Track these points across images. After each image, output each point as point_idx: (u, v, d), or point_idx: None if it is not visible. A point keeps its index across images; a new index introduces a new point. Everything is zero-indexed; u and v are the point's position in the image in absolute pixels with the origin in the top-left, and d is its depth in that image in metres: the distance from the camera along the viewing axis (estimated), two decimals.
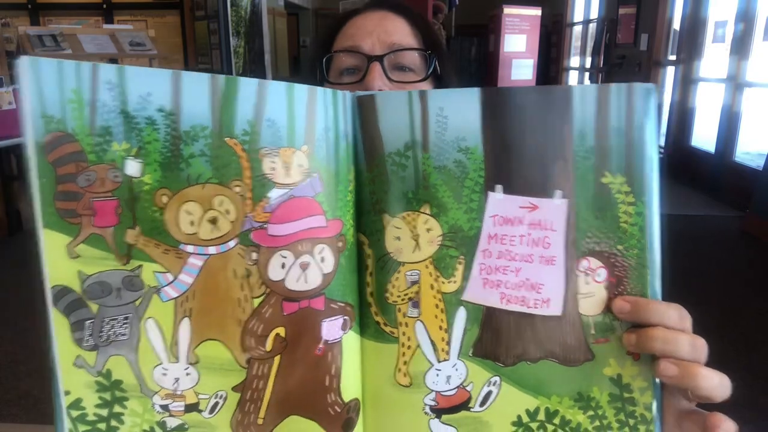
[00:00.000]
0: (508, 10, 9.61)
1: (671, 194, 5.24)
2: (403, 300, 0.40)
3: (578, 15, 9.95)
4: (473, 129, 0.39)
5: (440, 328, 0.40)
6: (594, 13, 8.97)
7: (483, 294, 0.39)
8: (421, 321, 0.40)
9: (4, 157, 3.91)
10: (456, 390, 0.40)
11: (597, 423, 0.40)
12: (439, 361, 0.40)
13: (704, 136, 5.68)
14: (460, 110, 0.39)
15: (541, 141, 0.38)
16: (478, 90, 0.39)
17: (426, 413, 0.40)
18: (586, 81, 9.16)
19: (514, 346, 0.39)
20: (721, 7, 5.63)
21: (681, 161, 5.90)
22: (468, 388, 0.40)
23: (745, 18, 4.95)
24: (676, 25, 6.34)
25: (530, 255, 0.39)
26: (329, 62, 0.71)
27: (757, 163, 4.48)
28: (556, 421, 0.40)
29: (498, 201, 0.38)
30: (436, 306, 0.39)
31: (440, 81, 0.71)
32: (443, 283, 0.39)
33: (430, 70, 0.69)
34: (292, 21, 10.34)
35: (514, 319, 0.39)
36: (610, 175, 0.39)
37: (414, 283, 0.39)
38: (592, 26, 9.04)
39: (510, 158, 0.39)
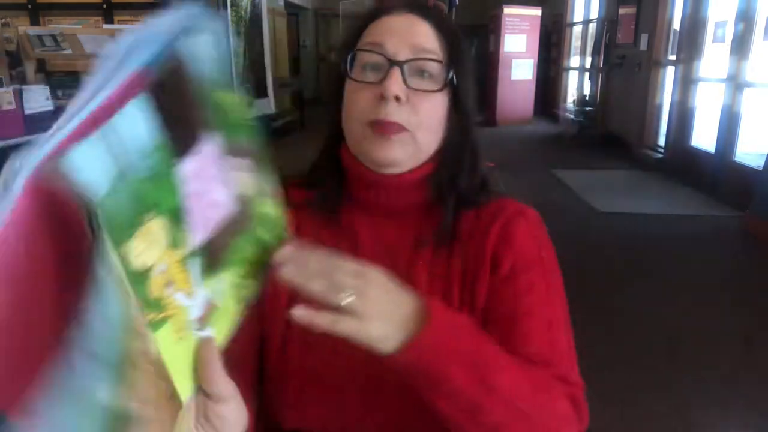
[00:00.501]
0: (508, 10, 9.61)
1: (671, 194, 5.24)
2: (162, 289, 0.45)
3: (578, 15, 9.94)
4: (148, 129, 0.43)
5: (187, 283, 0.47)
6: (594, 13, 8.97)
7: (201, 237, 0.49)
8: (177, 290, 0.46)
9: (5, 157, 3.90)
10: (205, 306, 0.50)
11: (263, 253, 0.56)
12: (192, 300, 0.48)
13: (704, 136, 5.68)
14: (133, 124, 0.42)
15: (180, 104, 0.46)
16: (136, 99, 0.42)
17: (193, 333, 0.48)
18: (587, 81, 9.16)
19: (225, 252, 0.52)
20: (721, 7, 5.63)
21: (681, 161, 5.90)
22: (212, 299, 0.50)
23: (745, 18, 4.95)
24: (676, 25, 6.34)
25: (213, 189, 0.50)
26: (353, 57, 0.72)
27: (757, 163, 4.48)
28: (250, 270, 0.55)
29: (184, 170, 0.46)
30: (181, 272, 0.46)
31: (457, 93, 0.72)
32: (180, 252, 0.46)
33: (445, 83, 0.70)
34: (292, 21, 10.33)
35: (220, 237, 0.51)
36: (218, 93, 0.50)
37: (164, 272, 0.45)
38: (592, 26, 9.04)
39: (176, 131, 0.45)
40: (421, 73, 0.69)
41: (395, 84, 0.67)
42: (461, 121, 0.73)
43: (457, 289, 0.71)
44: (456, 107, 0.72)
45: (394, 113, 0.68)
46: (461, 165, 0.74)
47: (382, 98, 0.67)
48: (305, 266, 0.53)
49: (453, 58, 0.71)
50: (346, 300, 0.51)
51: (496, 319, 0.69)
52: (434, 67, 0.70)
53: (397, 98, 0.67)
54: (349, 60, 0.72)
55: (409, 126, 0.69)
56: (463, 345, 0.57)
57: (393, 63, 0.68)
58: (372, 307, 0.52)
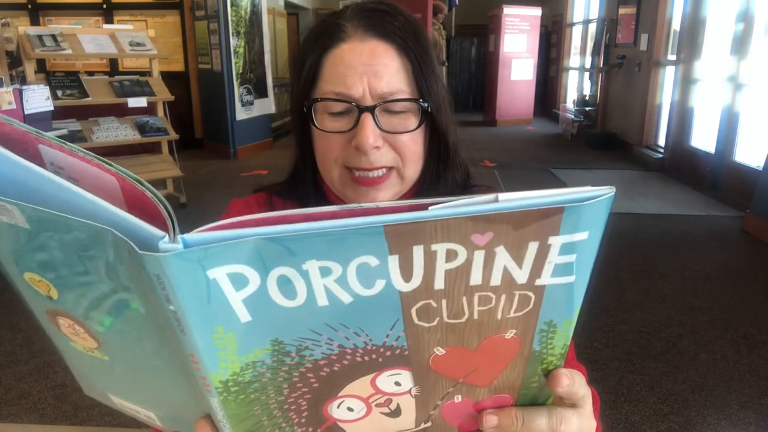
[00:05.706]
0: (508, 10, 9.61)
1: (671, 194, 5.24)
2: None
3: (578, 15, 9.94)
4: None
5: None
6: (594, 13, 8.96)
7: None
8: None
9: None
10: None
11: None
12: None
13: (704, 136, 5.68)
14: None
15: None
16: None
17: None
18: (587, 81, 9.15)
19: None
20: (720, 7, 5.62)
21: (681, 161, 5.90)
22: None
23: (745, 18, 4.95)
24: (676, 25, 6.33)
25: None
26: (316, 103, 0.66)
27: (757, 163, 4.48)
28: None
29: None
30: None
31: (433, 118, 0.67)
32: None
33: (421, 119, 0.65)
34: (292, 21, 10.33)
35: None
36: None
37: None
38: (592, 26, 9.04)
39: None
40: (393, 112, 0.64)
41: (371, 135, 0.62)
42: (440, 136, 0.69)
43: None
44: (433, 127, 0.68)
45: (377, 160, 0.64)
46: (445, 175, 0.72)
47: (358, 149, 0.63)
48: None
49: (422, 81, 0.65)
50: None
51: None
52: (406, 105, 0.64)
53: (376, 147, 0.63)
54: (312, 108, 0.66)
55: (395, 164, 0.66)
56: None
57: (362, 110, 0.62)
58: None
